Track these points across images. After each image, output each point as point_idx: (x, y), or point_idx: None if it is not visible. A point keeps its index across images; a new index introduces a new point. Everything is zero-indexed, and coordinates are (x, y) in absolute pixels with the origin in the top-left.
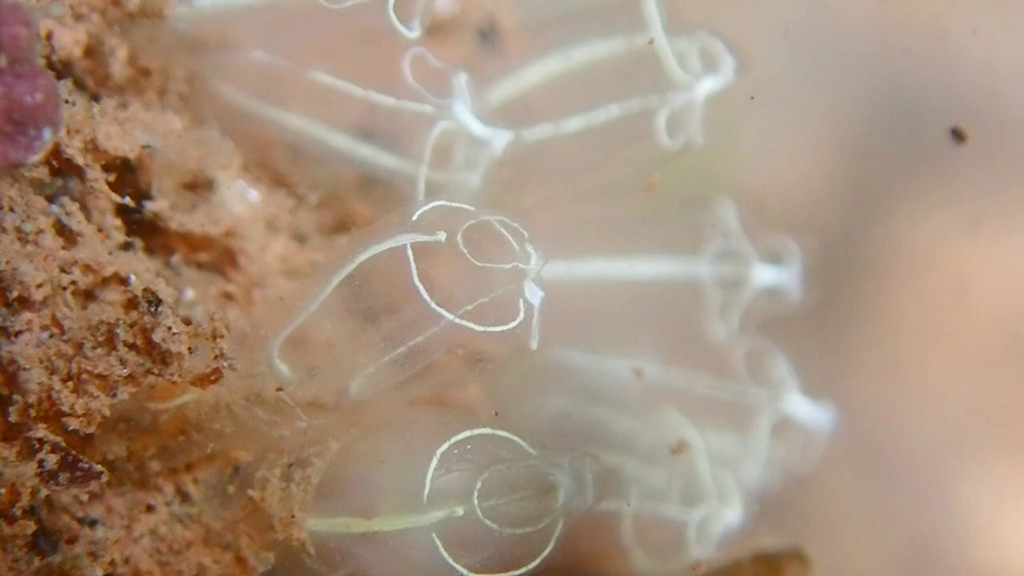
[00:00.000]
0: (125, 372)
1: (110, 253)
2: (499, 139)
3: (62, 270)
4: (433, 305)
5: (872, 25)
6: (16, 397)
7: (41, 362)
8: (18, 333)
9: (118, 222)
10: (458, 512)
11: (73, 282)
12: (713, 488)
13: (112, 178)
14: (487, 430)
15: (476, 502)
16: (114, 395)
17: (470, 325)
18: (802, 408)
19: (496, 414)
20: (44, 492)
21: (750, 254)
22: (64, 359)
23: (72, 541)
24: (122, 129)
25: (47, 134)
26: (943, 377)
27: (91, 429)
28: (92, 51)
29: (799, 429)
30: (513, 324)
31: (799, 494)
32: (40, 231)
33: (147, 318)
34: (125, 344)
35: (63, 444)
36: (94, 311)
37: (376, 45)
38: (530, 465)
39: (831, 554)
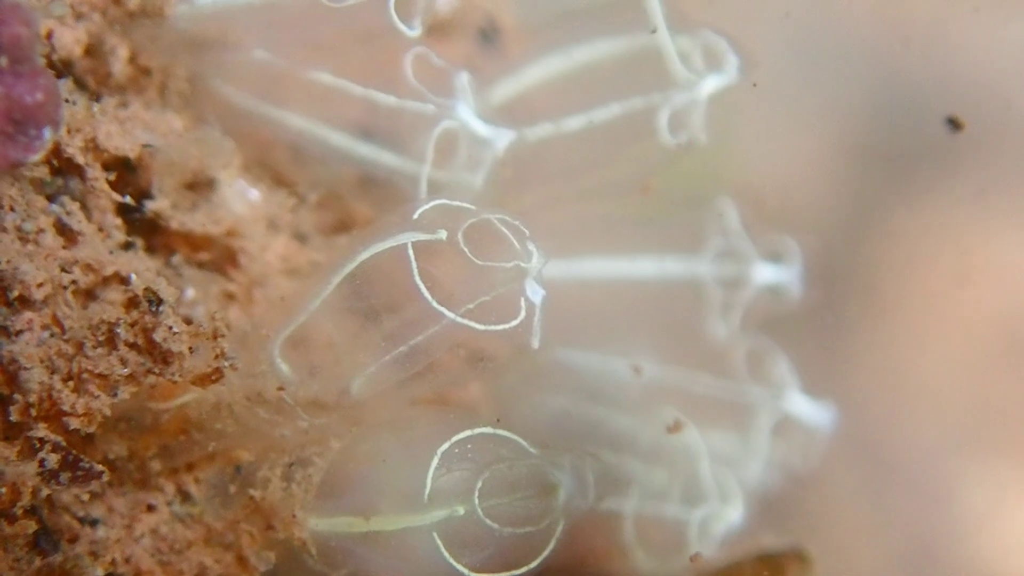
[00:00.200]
0: (126, 371)
1: (111, 252)
2: (501, 139)
3: (63, 269)
4: (434, 304)
5: (871, 24)
6: (17, 396)
7: (42, 361)
8: (19, 332)
9: (119, 221)
10: (459, 511)
11: (74, 281)
12: (714, 488)
13: (113, 177)
14: (488, 429)
15: (477, 501)
16: (115, 394)
17: (471, 324)
18: (803, 407)
19: (498, 420)
20: (45, 491)
21: (751, 253)
22: (65, 358)
23: (73, 540)
24: (123, 128)
25: (48, 133)
26: (944, 376)
27: (92, 428)
28: (93, 50)
29: (800, 428)
30: (514, 323)
31: (800, 493)
32: (41, 230)
33: (148, 317)
34: (126, 343)
35: (64, 443)
36: (95, 310)
37: (377, 44)
38: (531, 464)
39: (832, 553)
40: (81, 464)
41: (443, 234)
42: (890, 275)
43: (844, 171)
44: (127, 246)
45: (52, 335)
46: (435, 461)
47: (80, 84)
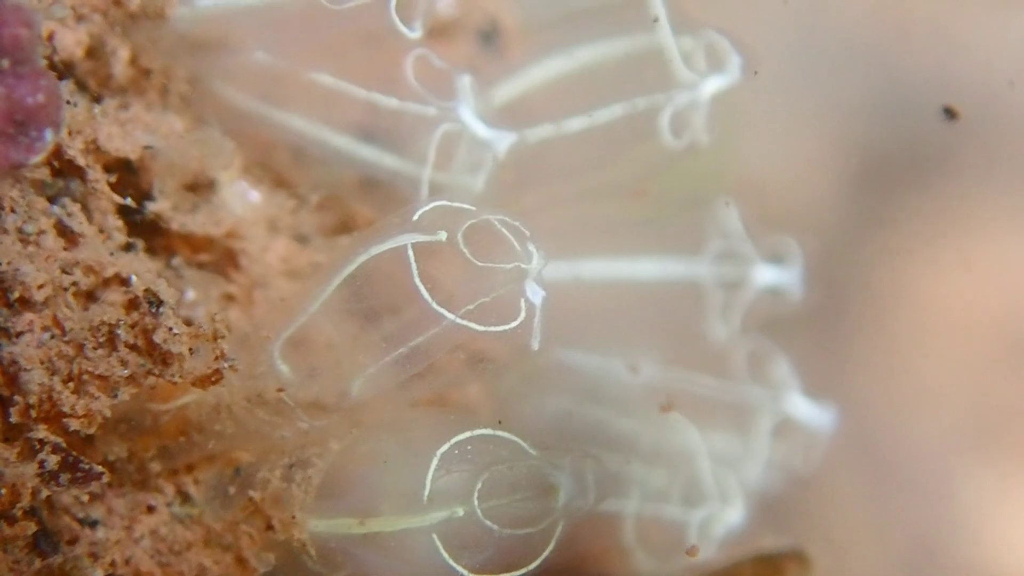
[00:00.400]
0: (126, 373)
1: (111, 254)
2: (502, 141)
3: (63, 271)
4: (434, 305)
5: (871, 25)
6: (17, 398)
7: (42, 363)
8: (19, 334)
9: (119, 223)
10: (459, 513)
11: (74, 283)
12: (715, 489)
13: (113, 179)
14: (488, 431)
15: (476, 503)
16: (115, 396)
17: (471, 325)
18: (803, 408)
19: (500, 423)
20: (45, 493)
21: (751, 254)
22: (65, 360)
23: (73, 542)
24: (123, 130)
25: (49, 135)
26: (944, 377)
27: (92, 430)
28: (94, 52)
29: (800, 430)
30: (514, 324)
31: (800, 495)
32: (41, 232)
33: (148, 319)
34: (126, 345)
35: (64, 445)
36: (95, 312)
37: (378, 46)
38: (531, 466)
39: (832, 555)
40: (81, 465)
41: (443, 235)
42: (890, 276)
43: (845, 172)
44: (128, 247)
45: (52, 336)
46: (435, 462)
47: (81, 86)
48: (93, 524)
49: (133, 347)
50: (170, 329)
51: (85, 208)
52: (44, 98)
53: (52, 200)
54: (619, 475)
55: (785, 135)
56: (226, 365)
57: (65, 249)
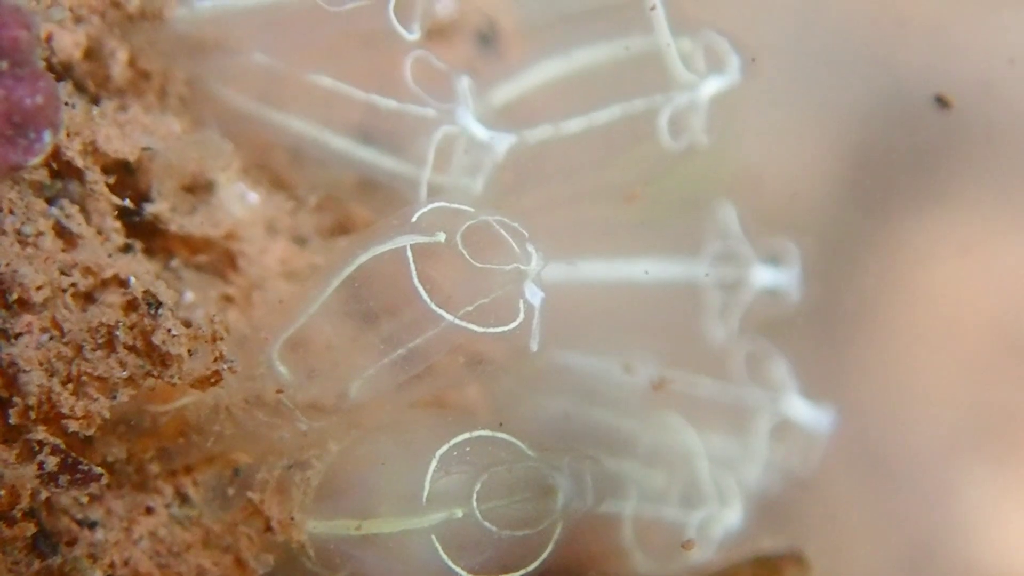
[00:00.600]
0: (125, 374)
1: (110, 255)
2: (501, 143)
3: (62, 272)
4: (433, 306)
5: (871, 25)
6: (16, 399)
7: (41, 364)
8: (18, 335)
9: (118, 224)
10: (457, 514)
11: (73, 284)
12: (713, 490)
13: (112, 180)
14: (486, 432)
15: (475, 504)
16: (114, 397)
17: (470, 326)
18: (802, 410)
19: (500, 425)
20: (44, 494)
21: (749, 255)
22: (64, 361)
23: (72, 543)
24: (122, 131)
25: (47, 136)
26: (943, 378)
27: (91, 431)
28: (92, 54)
29: (799, 431)
30: (513, 325)
31: (799, 496)
32: (40, 233)
33: (147, 320)
34: (125, 346)
35: (63, 446)
36: (94, 313)
37: (376, 48)
38: (529, 467)
39: (830, 556)
40: (80, 467)
41: (442, 237)
42: (889, 277)
43: (843, 173)
44: (126, 249)
45: (51, 338)
46: (433, 464)
47: (80, 87)
48: (92, 525)
49: (132, 348)
50: (169, 330)
51: (84, 209)
52: (42, 100)
53: (51, 201)
54: (617, 476)
55: (784, 136)
56: (225, 366)
57: (64, 250)
